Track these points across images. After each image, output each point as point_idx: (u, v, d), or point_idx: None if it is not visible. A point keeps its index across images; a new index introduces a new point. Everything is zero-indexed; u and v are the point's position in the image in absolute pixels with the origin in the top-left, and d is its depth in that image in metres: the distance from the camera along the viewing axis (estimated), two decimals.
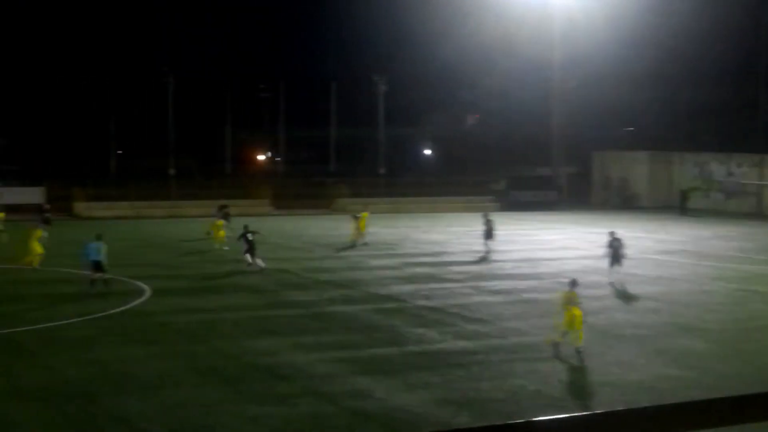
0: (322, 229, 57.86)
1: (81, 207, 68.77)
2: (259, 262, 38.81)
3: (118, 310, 29.62)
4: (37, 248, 38.91)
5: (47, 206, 56.92)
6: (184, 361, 22.77)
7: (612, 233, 37.64)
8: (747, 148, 76.51)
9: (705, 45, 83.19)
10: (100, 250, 32.96)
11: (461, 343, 24.95)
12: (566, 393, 20.18)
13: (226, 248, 44.69)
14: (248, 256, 38.96)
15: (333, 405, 19.17)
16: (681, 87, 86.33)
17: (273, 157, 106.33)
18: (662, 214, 71.98)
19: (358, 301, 31.96)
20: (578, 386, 20.76)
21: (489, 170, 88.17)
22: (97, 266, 32.84)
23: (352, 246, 47.87)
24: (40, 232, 40.29)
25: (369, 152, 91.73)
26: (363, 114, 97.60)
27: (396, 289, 34.50)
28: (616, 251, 36.70)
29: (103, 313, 28.89)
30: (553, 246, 49.57)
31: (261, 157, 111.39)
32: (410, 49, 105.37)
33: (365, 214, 50.35)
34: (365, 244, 48.28)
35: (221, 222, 48.20)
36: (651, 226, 61.23)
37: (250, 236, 39.29)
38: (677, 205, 74.56)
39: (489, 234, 45.18)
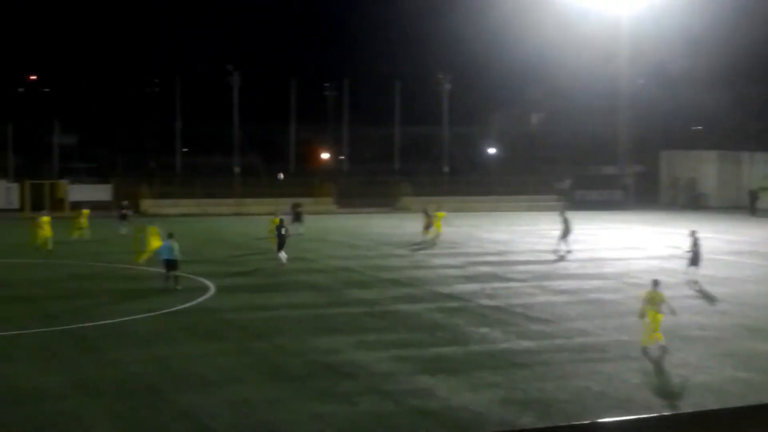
0: (385, 228, 57.88)
1: (148, 204, 69.57)
2: (282, 256, 39.38)
3: (183, 306, 29.87)
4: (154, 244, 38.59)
5: (126, 203, 57.91)
6: (247, 358, 22.88)
7: (693, 232, 36.97)
8: None
9: None
10: (173, 249, 33.05)
11: (525, 343, 24.76)
12: (631, 394, 19.91)
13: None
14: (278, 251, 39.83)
15: (395, 404, 19.12)
16: (751, 85, 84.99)
17: (337, 155, 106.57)
18: (731, 214, 70.93)
19: (421, 299, 31.88)
20: (643, 388, 20.47)
21: (554, 169, 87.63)
22: (170, 265, 32.99)
23: (428, 244, 47.74)
24: (154, 229, 40.13)
25: (433, 150, 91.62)
26: (427, 112, 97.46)
27: (459, 288, 34.38)
28: (696, 252, 36.32)
29: (169, 310, 29.17)
30: (619, 246, 49.05)
31: (325, 156, 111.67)
32: (475, 46, 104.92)
33: (441, 214, 49.83)
34: (433, 244, 48.05)
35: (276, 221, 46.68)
36: (720, 227, 60.36)
37: (283, 230, 39.90)
38: (746, 205, 73.42)
39: (566, 232, 44.80)
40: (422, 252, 45.73)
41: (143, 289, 33.44)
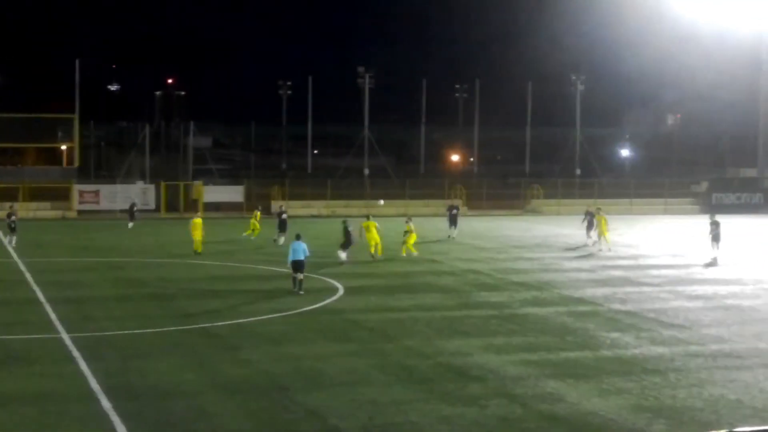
0: (515, 230, 57.49)
1: (280, 205, 70.50)
2: (342, 255, 40.56)
3: (312, 307, 30.17)
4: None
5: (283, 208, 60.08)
6: (375, 359, 22.95)
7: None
8: None
9: None
10: (300, 250, 32.78)
11: (657, 349, 24.22)
12: None
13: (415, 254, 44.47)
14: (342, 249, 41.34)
15: (523, 408, 18.92)
16: None
17: (467, 157, 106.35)
18: None
19: (551, 303, 31.53)
20: None
21: (690, 171, 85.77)
22: (297, 266, 32.80)
23: (600, 249, 46.53)
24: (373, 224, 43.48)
25: (564, 153, 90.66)
26: (559, 114, 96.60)
27: (590, 291, 33.89)
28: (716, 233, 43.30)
29: (298, 310, 29.49)
30: (756, 250, 47.63)
31: (455, 158, 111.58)
32: (609, 47, 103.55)
33: (603, 219, 47.39)
34: (600, 250, 46.44)
35: (410, 227, 45.53)
36: None
37: (350, 228, 41.38)
38: None
39: (716, 238, 43.58)
40: (552, 255, 45.22)
41: (273, 289, 33.90)
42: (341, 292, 33.34)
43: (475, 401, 19.23)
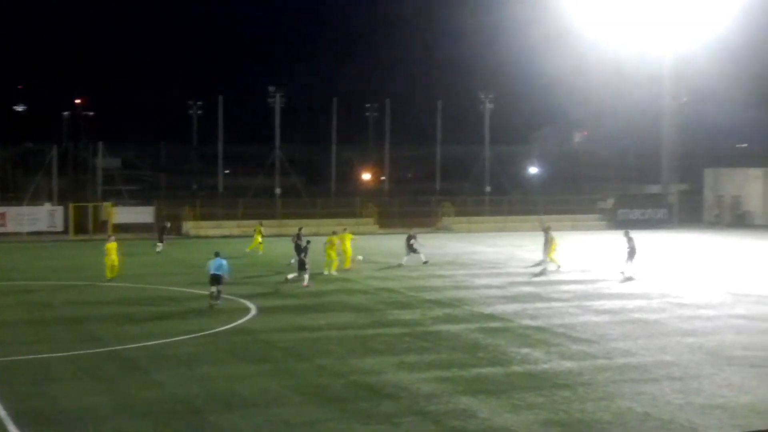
0: (427, 248, 57.73)
1: (190, 226, 70.05)
2: (304, 276, 40.42)
3: (224, 328, 30.03)
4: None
5: (167, 224, 61.50)
6: (289, 379, 22.94)
7: (627, 232, 43.50)
8: None
9: None
10: (218, 266, 34.17)
11: (567, 364, 24.64)
12: (675, 415, 19.74)
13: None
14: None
15: (436, 424, 19.09)
16: None
17: (378, 175, 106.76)
18: None
19: (463, 320, 31.83)
20: (687, 409, 20.27)
21: (597, 188, 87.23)
22: (214, 279, 34.01)
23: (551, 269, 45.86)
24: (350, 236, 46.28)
25: (474, 170, 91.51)
26: (469, 132, 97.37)
27: (501, 308, 34.29)
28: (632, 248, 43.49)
29: (210, 331, 29.33)
30: (661, 265, 48.65)
31: (366, 176, 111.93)
32: (517, 66, 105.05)
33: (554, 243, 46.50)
34: (543, 271, 45.71)
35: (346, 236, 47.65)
36: (766, 245, 59.74)
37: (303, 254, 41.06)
38: None
39: (632, 253, 43.95)
40: (463, 272, 45.62)
41: (185, 311, 33.67)
42: (254, 312, 33.23)
43: (388, 419, 19.35)
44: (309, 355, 25.80)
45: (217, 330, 29.56)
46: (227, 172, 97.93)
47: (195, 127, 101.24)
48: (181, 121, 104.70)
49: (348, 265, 46.33)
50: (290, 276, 41.46)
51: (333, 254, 44.74)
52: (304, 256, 40.69)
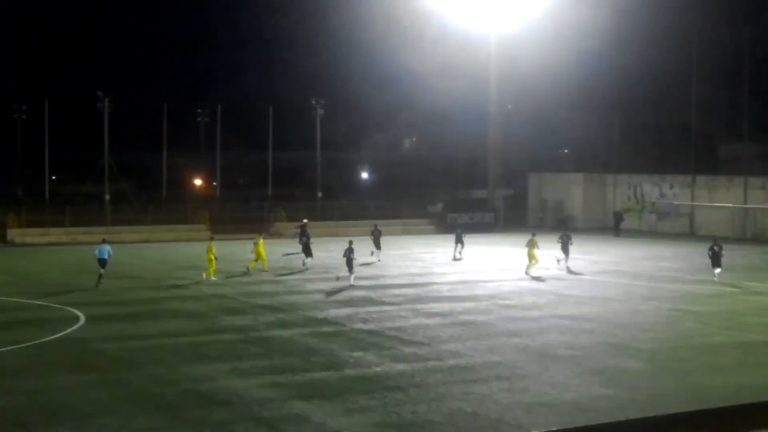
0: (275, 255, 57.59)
1: (16, 233, 67.88)
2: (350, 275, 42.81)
3: (52, 338, 29.29)
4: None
5: None
6: (119, 388, 22.59)
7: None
8: (679, 170, 77.74)
9: (638, 70, 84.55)
10: (105, 251, 41.73)
11: (399, 366, 25.05)
12: (503, 414, 20.35)
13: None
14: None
15: (271, 430, 19.15)
16: (615, 109, 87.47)
17: (210, 181, 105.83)
18: (597, 235, 72.81)
19: (296, 325, 31.94)
20: (515, 408, 20.92)
21: (427, 193, 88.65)
22: (103, 263, 41.41)
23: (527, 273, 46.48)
24: (212, 246, 45.19)
25: (307, 176, 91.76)
26: (301, 137, 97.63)
27: (333, 312, 34.54)
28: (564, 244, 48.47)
29: (38, 341, 28.56)
30: (489, 268, 49.88)
31: (198, 182, 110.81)
32: (348, 72, 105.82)
33: (535, 240, 47.72)
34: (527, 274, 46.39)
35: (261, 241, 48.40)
36: (586, 248, 61.86)
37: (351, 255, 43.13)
38: (611, 226, 75.53)
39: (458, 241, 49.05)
40: (297, 278, 45.72)
41: (11, 321, 32.68)
42: (83, 321, 32.50)
43: (221, 426, 19.30)
44: (140, 363, 25.45)
45: (44, 340, 28.82)
46: (54, 178, 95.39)
47: (20, 133, 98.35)
48: (6, 126, 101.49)
49: (265, 267, 47.30)
50: (340, 275, 44.11)
51: (213, 258, 44.64)
52: (352, 255, 43.01)
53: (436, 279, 44.74)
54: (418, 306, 36.13)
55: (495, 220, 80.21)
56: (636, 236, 71.33)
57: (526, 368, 24.76)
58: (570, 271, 47.49)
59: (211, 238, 47.54)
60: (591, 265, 51.35)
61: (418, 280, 44.62)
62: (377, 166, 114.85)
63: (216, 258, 44.59)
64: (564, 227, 75.18)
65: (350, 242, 44.28)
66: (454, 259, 53.99)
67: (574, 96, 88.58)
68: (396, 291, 40.61)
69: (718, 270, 43.58)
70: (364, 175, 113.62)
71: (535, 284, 42.80)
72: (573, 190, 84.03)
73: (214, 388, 22.47)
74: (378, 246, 53.94)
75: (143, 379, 23.54)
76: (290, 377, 23.72)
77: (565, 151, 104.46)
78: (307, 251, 50.75)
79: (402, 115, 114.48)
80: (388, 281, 44.25)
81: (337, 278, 43.94)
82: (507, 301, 37.27)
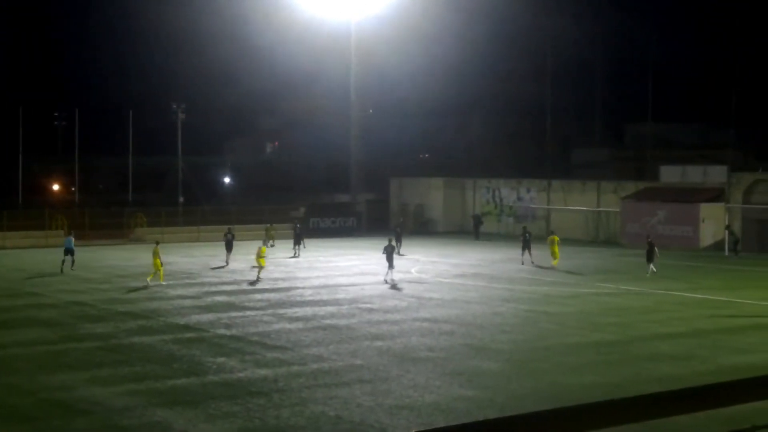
0: (120, 260, 56.85)
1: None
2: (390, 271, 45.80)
3: None
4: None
5: None
6: None
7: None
8: (535, 174, 79.66)
9: (496, 77, 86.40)
10: (70, 242, 49.94)
11: (262, 371, 25.13)
12: (365, 417, 20.64)
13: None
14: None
15: None
16: (474, 115, 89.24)
17: (69, 186, 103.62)
18: (457, 238, 74.02)
19: (157, 331, 31.67)
20: (377, 410, 21.23)
21: (290, 198, 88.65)
22: (69, 252, 49.24)
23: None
24: (157, 250, 44.95)
25: (168, 181, 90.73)
26: (162, 142, 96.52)
27: (195, 318, 34.36)
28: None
29: None
30: (352, 272, 50.26)
31: (56, 187, 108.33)
32: (210, 77, 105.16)
33: (556, 237, 53.78)
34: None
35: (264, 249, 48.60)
36: (446, 251, 62.88)
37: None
38: (471, 229, 76.85)
39: (526, 245, 53.17)
40: (158, 284, 45.19)
41: None
42: None
43: None
44: None
45: None
46: None
47: None
48: None
49: (162, 279, 45.24)
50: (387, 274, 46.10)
51: (159, 262, 44.57)
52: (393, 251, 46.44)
53: (299, 283, 44.89)
54: (281, 311, 36.22)
55: (357, 224, 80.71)
56: (495, 239, 72.77)
57: (388, 371, 25.14)
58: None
59: (157, 243, 46.28)
60: (451, 267, 52.22)
61: (281, 284, 44.68)
62: (240, 171, 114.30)
63: (162, 264, 44.93)
64: (424, 230, 76.29)
65: (389, 240, 48.10)
66: (294, 257, 58.00)
67: (433, 101, 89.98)
68: (259, 296, 40.60)
69: (651, 266, 48.07)
70: (227, 180, 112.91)
71: (396, 288, 43.31)
72: (433, 194, 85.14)
73: (73, 398, 22.16)
74: (229, 249, 54.51)
75: None
76: (151, 384, 23.56)
77: (426, 155, 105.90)
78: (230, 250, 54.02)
79: (264, 121, 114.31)
80: (251, 286, 44.15)
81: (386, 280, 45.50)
82: (369, 305, 37.66)
